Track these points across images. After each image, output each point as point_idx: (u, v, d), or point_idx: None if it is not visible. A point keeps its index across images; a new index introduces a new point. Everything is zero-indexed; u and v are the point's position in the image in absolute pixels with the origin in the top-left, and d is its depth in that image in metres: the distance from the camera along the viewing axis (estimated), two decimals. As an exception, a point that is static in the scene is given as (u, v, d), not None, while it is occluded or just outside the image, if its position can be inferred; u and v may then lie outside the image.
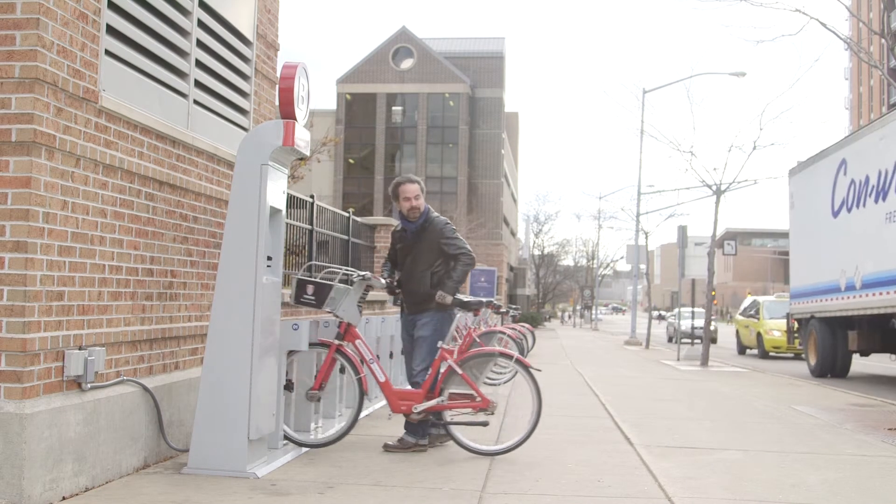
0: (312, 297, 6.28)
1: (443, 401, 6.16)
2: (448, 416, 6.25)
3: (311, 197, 9.98)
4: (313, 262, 9.29)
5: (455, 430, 6.23)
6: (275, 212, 5.70)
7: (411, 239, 6.69)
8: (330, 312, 6.38)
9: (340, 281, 6.34)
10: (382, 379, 6.37)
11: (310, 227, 9.92)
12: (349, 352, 6.37)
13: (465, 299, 6.69)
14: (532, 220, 68.85)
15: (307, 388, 6.36)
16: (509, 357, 6.40)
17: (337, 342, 6.33)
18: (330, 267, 7.07)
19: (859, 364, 17.22)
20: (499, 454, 6.18)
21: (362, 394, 6.35)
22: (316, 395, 6.36)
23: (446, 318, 6.64)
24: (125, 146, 5.17)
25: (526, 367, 6.22)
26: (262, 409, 5.51)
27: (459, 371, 6.16)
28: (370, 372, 6.39)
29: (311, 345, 6.33)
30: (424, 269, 6.59)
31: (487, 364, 6.73)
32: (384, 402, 6.87)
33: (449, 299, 6.47)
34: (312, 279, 6.43)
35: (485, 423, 6.30)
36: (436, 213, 6.80)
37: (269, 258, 5.63)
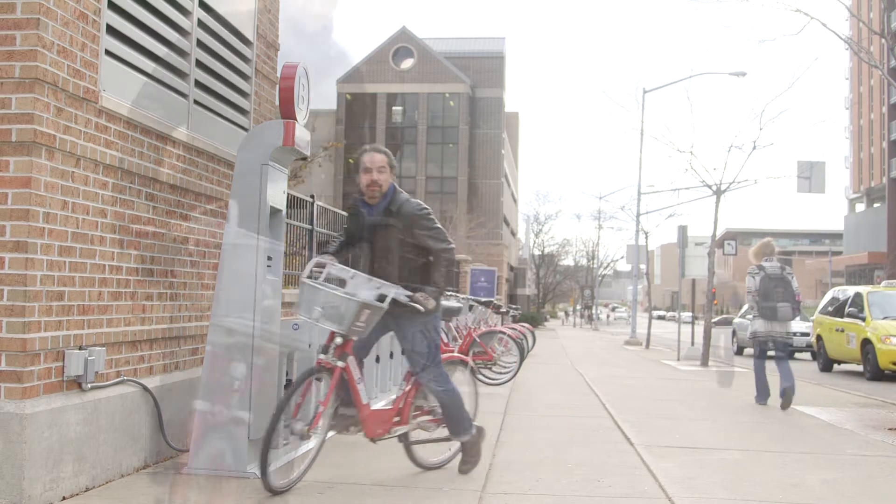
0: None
1: (410, 418, 5.56)
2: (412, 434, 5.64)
3: (312, 197, 9.98)
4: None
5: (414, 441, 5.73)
6: (275, 212, 5.69)
7: (370, 228, 5.38)
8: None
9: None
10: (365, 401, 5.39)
11: (310, 227, 9.92)
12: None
13: (448, 304, 6.07)
14: (532, 219, 68.89)
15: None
16: (465, 364, 6.16)
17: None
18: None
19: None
20: (435, 468, 5.77)
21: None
22: None
23: (432, 321, 5.47)
24: (125, 146, 5.16)
25: (474, 374, 6.39)
26: (262, 409, 5.50)
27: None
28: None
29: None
30: (394, 267, 5.31)
31: (452, 373, 5.96)
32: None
33: (431, 304, 5.29)
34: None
35: (448, 438, 5.68)
36: (406, 195, 5.44)
37: (270, 258, 5.63)
